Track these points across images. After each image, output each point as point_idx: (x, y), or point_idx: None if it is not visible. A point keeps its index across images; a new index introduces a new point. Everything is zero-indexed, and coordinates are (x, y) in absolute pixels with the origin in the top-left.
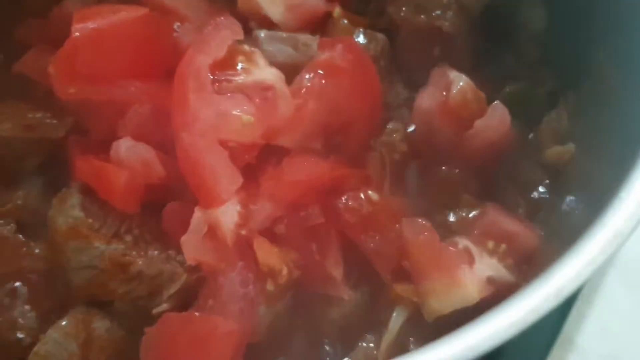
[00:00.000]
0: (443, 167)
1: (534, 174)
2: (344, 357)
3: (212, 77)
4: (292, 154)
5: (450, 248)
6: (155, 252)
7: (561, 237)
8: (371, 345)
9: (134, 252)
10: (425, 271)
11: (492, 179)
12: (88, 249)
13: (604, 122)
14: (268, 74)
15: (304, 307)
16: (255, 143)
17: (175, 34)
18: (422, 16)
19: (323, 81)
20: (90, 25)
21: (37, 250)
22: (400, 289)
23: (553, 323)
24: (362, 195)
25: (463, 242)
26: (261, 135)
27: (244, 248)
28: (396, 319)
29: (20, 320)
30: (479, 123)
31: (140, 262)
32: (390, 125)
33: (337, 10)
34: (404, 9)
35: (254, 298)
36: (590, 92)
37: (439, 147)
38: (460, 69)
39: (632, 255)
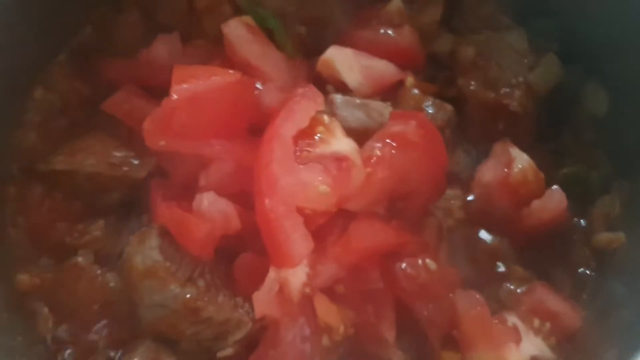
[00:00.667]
0: (497, 239)
1: (582, 255)
2: None
3: (294, 147)
4: (357, 218)
5: (500, 325)
6: (225, 299)
7: (604, 319)
8: None
9: (206, 298)
10: (474, 343)
11: (542, 255)
12: (163, 290)
13: None
14: (344, 145)
15: None
16: (328, 210)
17: (256, 92)
18: (491, 92)
19: (393, 152)
20: (188, 87)
21: (111, 284)
22: (448, 356)
23: None
24: (420, 263)
25: (512, 318)
26: (334, 203)
27: (306, 304)
28: None
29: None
30: (536, 203)
31: (211, 308)
32: (449, 192)
33: (409, 80)
34: (473, 82)
35: (311, 351)
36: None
37: (494, 219)
38: (521, 145)
39: None
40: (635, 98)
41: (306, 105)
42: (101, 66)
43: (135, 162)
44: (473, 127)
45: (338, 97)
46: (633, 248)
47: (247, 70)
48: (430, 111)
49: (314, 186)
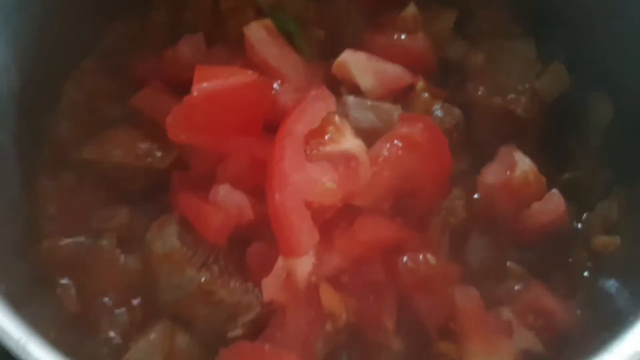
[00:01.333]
0: (498, 238)
1: (580, 256)
2: None
3: (305, 145)
4: (363, 213)
5: (494, 319)
6: (237, 284)
7: (597, 317)
8: None
9: (219, 282)
10: (469, 335)
11: (541, 255)
12: (180, 274)
13: None
14: (353, 144)
15: (355, 349)
16: (335, 205)
17: (274, 92)
18: (498, 98)
19: (400, 152)
20: (208, 86)
21: (132, 266)
22: (444, 346)
23: None
24: (420, 258)
25: (506, 313)
26: (341, 198)
27: (312, 292)
28: None
29: (114, 321)
30: (536, 206)
31: (223, 292)
32: (454, 192)
33: (420, 84)
34: (481, 88)
35: (315, 335)
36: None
37: (496, 220)
38: (526, 150)
39: None
40: (637, 108)
41: (318, 106)
42: (129, 65)
43: (159, 154)
44: (480, 130)
45: (350, 99)
46: (627, 251)
47: (266, 71)
48: (439, 114)
49: (322, 182)
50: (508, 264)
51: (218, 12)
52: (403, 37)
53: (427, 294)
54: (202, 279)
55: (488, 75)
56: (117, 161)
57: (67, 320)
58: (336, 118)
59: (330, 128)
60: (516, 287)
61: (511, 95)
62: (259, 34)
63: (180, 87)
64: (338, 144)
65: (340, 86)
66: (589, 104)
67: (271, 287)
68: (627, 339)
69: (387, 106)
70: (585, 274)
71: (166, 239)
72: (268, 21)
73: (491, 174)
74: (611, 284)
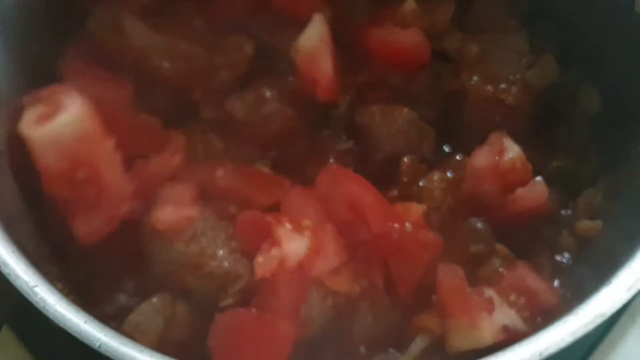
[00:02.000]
0: (484, 220)
1: (565, 240)
2: None
3: None
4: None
5: (476, 296)
6: (224, 254)
7: (577, 297)
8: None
9: (209, 252)
10: (451, 311)
11: (528, 238)
12: (170, 249)
13: (631, 206)
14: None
15: (347, 310)
16: None
17: None
18: (490, 87)
19: None
20: None
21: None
22: (427, 319)
23: None
24: (396, 225)
25: (489, 292)
26: None
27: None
28: (417, 344)
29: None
30: (520, 191)
31: (212, 264)
32: (433, 175)
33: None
34: (474, 77)
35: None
36: (625, 178)
37: (483, 202)
38: (516, 137)
39: None
40: (625, 99)
41: None
42: None
43: None
44: (472, 118)
45: None
46: (609, 235)
47: None
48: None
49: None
50: (496, 245)
51: None
52: (398, 32)
53: (400, 258)
54: (191, 252)
55: (481, 66)
56: None
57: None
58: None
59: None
60: (501, 268)
61: (502, 85)
62: None
63: None
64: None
65: None
66: (578, 95)
67: (264, 267)
68: (591, 303)
69: None
70: (569, 256)
71: None
72: None
73: (480, 158)
74: (591, 266)
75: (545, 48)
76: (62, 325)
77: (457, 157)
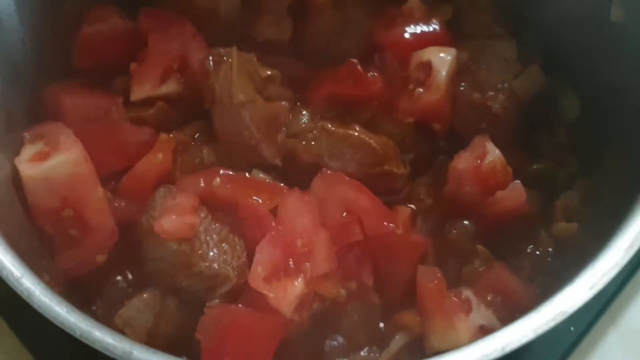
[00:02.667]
0: (465, 221)
1: (543, 241)
2: (344, 357)
3: None
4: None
5: (454, 297)
6: (215, 256)
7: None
8: (371, 355)
9: (199, 252)
10: (430, 312)
11: (508, 239)
12: (163, 246)
13: (604, 209)
14: None
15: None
16: None
17: None
18: (478, 94)
19: None
20: None
21: None
22: (407, 318)
23: None
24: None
25: (466, 292)
26: None
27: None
28: (397, 341)
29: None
30: (499, 194)
31: (202, 264)
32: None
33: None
34: (463, 84)
35: None
36: (600, 181)
37: (464, 204)
38: (499, 142)
39: (635, 318)
40: (602, 107)
41: None
42: None
43: None
44: (459, 122)
45: None
46: (583, 236)
47: None
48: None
49: None
50: (477, 246)
51: None
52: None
53: (389, 259)
54: (183, 251)
55: (470, 73)
56: None
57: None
58: None
59: None
60: (481, 268)
61: (490, 93)
62: None
63: None
64: None
65: None
66: (558, 102)
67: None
68: (554, 301)
69: None
70: (547, 256)
71: (150, 213)
72: None
73: (463, 161)
74: (566, 266)
75: (532, 57)
76: (45, 314)
77: (440, 159)
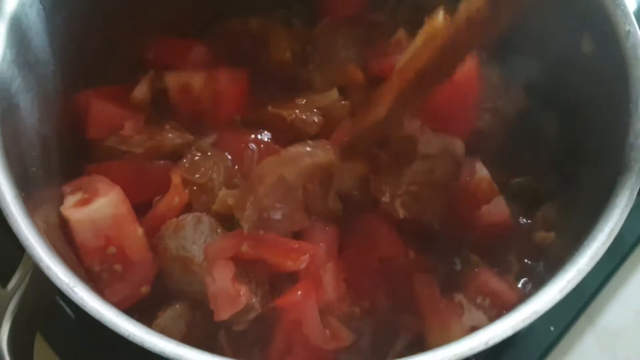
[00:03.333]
0: (456, 233)
1: (526, 248)
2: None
3: None
4: None
5: (447, 302)
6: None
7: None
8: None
9: None
10: (426, 316)
11: (497, 246)
12: (191, 275)
13: (578, 219)
14: None
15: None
16: None
17: None
18: None
19: None
20: None
21: None
22: (408, 320)
23: None
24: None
25: (458, 297)
26: None
27: None
28: (400, 342)
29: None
30: (484, 208)
31: None
32: None
33: None
34: None
35: None
36: (576, 195)
37: (457, 216)
38: (485, 158)
39: (612, 319)
40: (577, 126)
41: None
42: None
43: None
44: None
45: None
46: (559, 244)
47: None
48: None
49: None
50: (467, 254)
51: None
52: None
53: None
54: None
55: None
56: None
57: None
58: None
59: None
60: (471, 274)
61: None
62: None
63: None
64: None
65: None
66: (538, 121)
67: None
68: (530, 302)
69: None
70: (530, 262)
71: (179, 242)
72: None
73: None
74: (545, 270)
75: (514, 80)
76: (97, 318)
77: None
